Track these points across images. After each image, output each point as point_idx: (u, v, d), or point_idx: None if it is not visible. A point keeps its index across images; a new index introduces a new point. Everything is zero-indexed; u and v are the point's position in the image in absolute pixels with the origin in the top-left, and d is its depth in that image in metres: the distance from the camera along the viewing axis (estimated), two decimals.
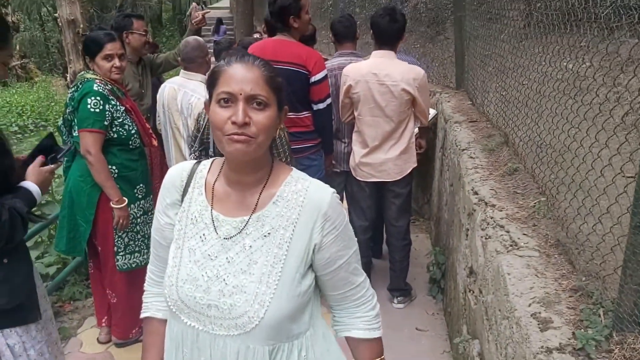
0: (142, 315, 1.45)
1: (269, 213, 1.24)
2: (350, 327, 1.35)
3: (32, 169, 1.98)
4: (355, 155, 3.55)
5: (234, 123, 1.14)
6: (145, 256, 3.12)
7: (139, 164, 3.08)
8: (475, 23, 4.09)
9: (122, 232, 3.02)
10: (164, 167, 4.37)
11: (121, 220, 2.95)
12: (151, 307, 1.44)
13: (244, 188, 1.27)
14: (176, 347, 1.30)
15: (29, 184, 1.91)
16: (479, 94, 3.84)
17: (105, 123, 2.84)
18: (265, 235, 1.23)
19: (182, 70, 3.67)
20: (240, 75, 1.16)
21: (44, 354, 1.91)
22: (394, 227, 3.62)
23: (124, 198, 2.94)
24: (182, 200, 1.33)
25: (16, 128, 12.23)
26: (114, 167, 2.95)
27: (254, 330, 1.19)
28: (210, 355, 1.24)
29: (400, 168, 3.47)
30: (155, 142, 3.21)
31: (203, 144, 2.81)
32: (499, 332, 1.83)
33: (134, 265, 3.09)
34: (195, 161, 1.38)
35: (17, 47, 19.03)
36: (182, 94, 3.54)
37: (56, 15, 10.68)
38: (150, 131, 3.21)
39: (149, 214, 3.15)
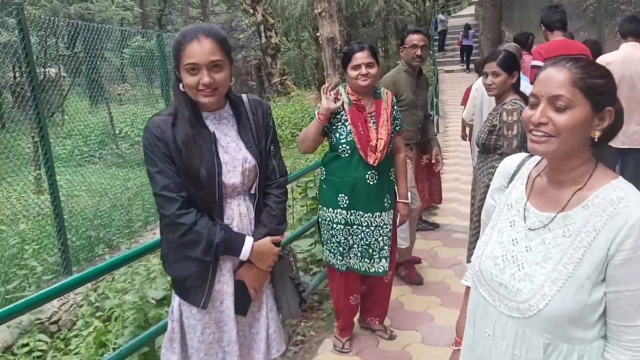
0: (462, 282, 1.66)
1: (576, 215, 1.28)
2: None
3: (265, 242, 2.06)
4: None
5: (532, 122, 1.26)
6: (337, 260, 3.16)
7: (346, 173, 3.05)
8: None
9: (323, 229, 3.19)
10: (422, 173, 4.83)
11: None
12: (470, 277, 1.62)
13: (559, 187, 1.33)
14: (472, 313, 1.48)
15: (248, 242, 2.00)
16: None
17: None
18: (566, 235, 1.27)
19: None
20: (546, 78, 1.26)
21: (196, 331, 2.05)
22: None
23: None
24: (507, 187, 1.48)
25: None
26: (323, 168, 3.18)
27: (532, 318, 1.27)
28: (493, 328, 1.38)
29: None
30: (372, 160, 3.00)
31: None
32: None
33: (329, 263, 3.23)
34: (528, 154, 1.49)
35: (278, 65, 21.35)
36: None
37: (317, 34, 11.65)
38: (382, 147, 3.03)
39: (354, 227, 3.11)
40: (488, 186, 3.07)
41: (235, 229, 2.02)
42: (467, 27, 20.16)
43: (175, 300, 2.09)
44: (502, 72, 3.10)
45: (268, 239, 2.06)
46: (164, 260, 2.10)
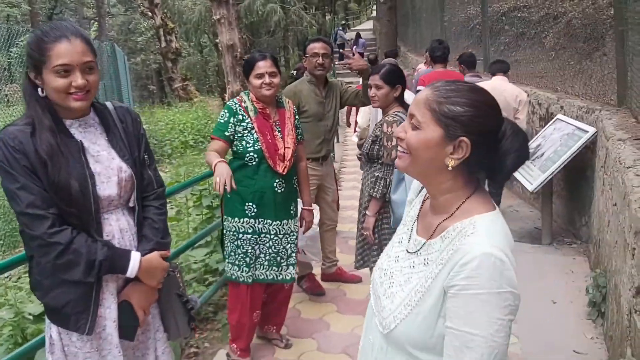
0: None
1: (435, 245, 1.25)
2: None
3: (153, 256, 1.92)
4: None
5: (395, 136, 1.31)
6: (243, 273, 3.08)
7: (253, 182, 3.03)
8: None
9: (228, 240, 3.11)
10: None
11: None
12: None
13: (434, 212, 1.30)
14: (368, 317, 1.45)
15: (135, 257, 1.84)
16: None
17: (226, 134, 3.01)
18: (425, 264, 1.25)
19: None
20: (414, 98, 1.31)
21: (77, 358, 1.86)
22: None
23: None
24: (412, 202, 1.47)
25: (178, 143, 13.53)
26: None
27: (387, 335, 1.28)
28: (371, 338, 1.39)
29: None
30: (281, 169, 3.04)
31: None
32: None
33: (232, 277, 3.11)
34: None
35: (179, 70, 21.00)
36: None
37: (217, 41, 11.68)
38: (289, 155, 3.09)
39: (262, 235, 3.08)
40: (371, 195, 3.20)
41: (117, 246, 1.86)
42: (358, 35, 22.92)
43: (53, 330, 1.86)
44: (385, 85, 3.18)
45: (156, 253, 1.93)
46: (35, 289, 1.86)
